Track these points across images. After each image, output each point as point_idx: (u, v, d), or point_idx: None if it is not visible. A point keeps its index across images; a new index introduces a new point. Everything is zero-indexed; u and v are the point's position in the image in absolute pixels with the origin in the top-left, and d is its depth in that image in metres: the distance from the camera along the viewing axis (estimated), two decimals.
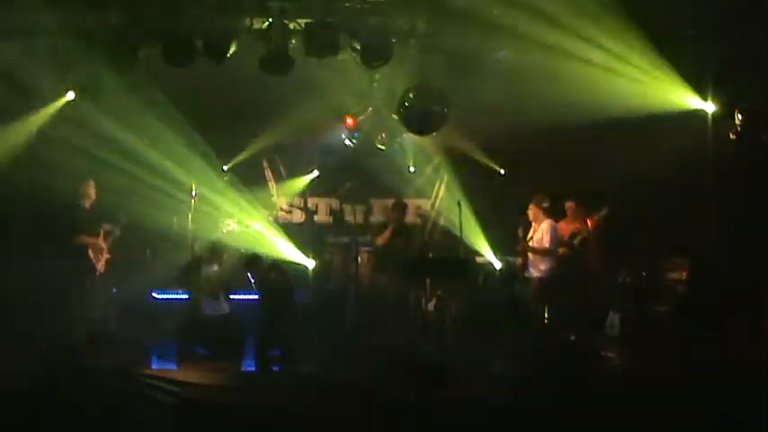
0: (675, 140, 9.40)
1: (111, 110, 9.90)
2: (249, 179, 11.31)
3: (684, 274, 9.57)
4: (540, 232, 9.45)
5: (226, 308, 9.43)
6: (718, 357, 7.91)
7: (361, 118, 11.06)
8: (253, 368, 8.70)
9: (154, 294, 10.22)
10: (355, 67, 9.25)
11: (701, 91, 9.19)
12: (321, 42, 8.76)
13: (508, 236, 10.08)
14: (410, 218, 11.68)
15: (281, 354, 8.86)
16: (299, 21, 8.84)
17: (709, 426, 6.25)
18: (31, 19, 8.66)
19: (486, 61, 9.21)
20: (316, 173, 11.59)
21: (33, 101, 9.66)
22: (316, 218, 12.05)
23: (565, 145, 10.17)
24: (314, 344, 9.09)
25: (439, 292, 9.79)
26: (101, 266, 9.44)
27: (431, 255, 10.45)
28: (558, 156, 10.31)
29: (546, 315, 9.27)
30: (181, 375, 8.01)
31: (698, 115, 9.34)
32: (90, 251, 9.34)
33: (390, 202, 11.18)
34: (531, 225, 9.62)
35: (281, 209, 11.57)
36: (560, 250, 9.60)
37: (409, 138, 11.17)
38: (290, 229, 11.31)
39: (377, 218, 11.98)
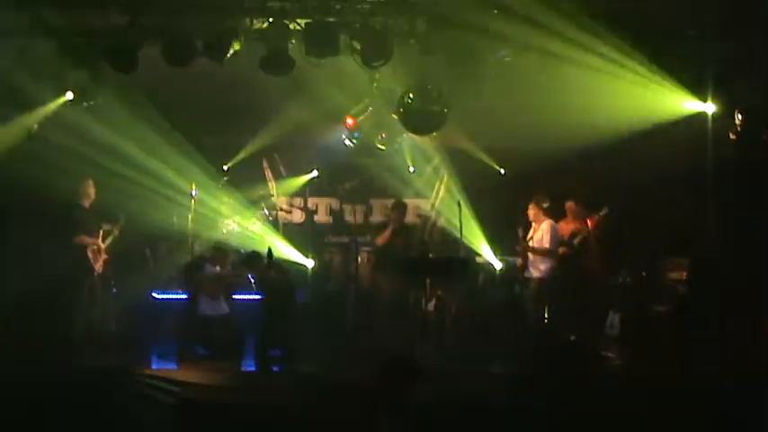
0: (675, 140, 9.41)
1: (111, 110, 9.90)
2: (249, 178, 11.30)
3: (684, 274, 9.57)
4: (540, 232, 9.44)
5: (225, 308, 9.44)
6: (718, 357, 7.91)
7: (361, 118, 11.06)
8: (253, 368, 8.69)
9: (154, 294, 10.21)
10: (355, 67, 9.24)
11: (701, 91, 9.18)
12: (321, 42, 8.76)
13: (508, 236, 10.07)
14: (410, 218, 11.68)
15: (281, 354, 8.85)
16: (299, 21, 8.83)
17: (710, 426, 6.25)
18: (31, 19, 8.67)
19: (486, 61, 9.20)
20: (315, 173, 11.59)
21: (32, 101, 9.66)
22: (316, 218, 12.03)
23: (564, 144, 10.16)
24: (314, 344, 9.09)
25: (439, 292, 9.77)
26: (98, 267, 9.44)
27: (431, 255, 10.43)
28: (557, 155, 10.29)
29: (546, 315, 9.27)
30: (181, 375, 8.01)
31: (698, 115, 9.34)
32: (88, 252, 9.35)
33: (390, 202, 11.18)
34: (530, 225, 9.62)
35: (281, 209, 11.57)
36: (560, 250, 9.59)
37: (409, 138, 11.16)
38: (289, 229, 11.31)
39: (377, 218, 11.99)
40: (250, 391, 7.64)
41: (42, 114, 9.78)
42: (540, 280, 9.37)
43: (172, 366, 8.55)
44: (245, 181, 11.28)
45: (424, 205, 11.76)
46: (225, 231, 10.82)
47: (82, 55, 9.00)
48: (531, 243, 9.50)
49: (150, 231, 10.49)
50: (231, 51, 8.76)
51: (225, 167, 11.33)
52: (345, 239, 11.37)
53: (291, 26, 8.86)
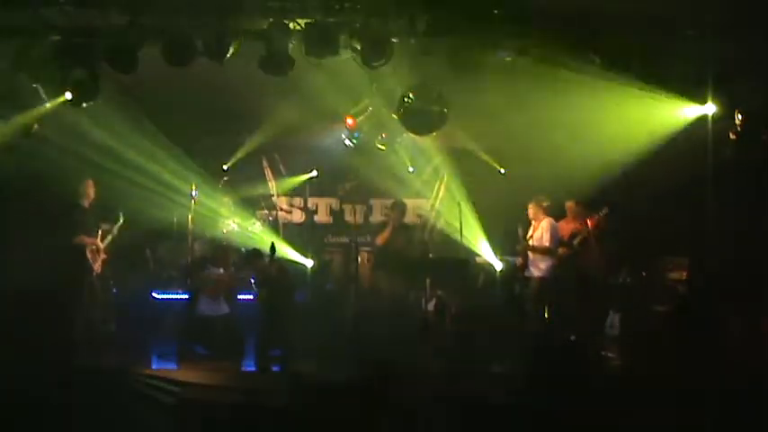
0: (675, 140, 9.41)
1: (110, 110, 9.89)
2: (249, 178, 11.29)
3: (684, 274, 9.58)
4: (540, 230, 9.47)
5: (225, 308, 9.44)
6: (718, 357, 7.90)
7: (361, 118, 11.06)
8: (253, 368, 8.70)
9: (154, 294, 10.21)
10: (355, 67, 9.24)
11: (701, 92, 9.18)
12: (321, 42, 8.75)
13: (508, 236, 10.08)
14: (410, 218, 11.68)
15: (281, 354, 8.85)
16: (299, 21, 8.82)
17: (709, 426, 6.25)
18: (31, 19, 8.66)
19: (486, 61, 9.19)
20: (315, 173, 11.58)
21: (31, 100, 9.65)
22: (316, 218, 12.04)
23: (564, 145, 10.17)
24: (314, 344, 9.08)
25: (439, 292, 9.78)
26: (97, 267, 9.44)
27: (431, 255, 10.43)
28: (557, 155, 10.29)
29: (546, 315, 9.27)
30: (181, 375, 8.02)
31: (698, 116, 9.34)
32: (87, 252, 9.34)
33: (390, 202, 11.18)
34: (530, 224, 9.63)
35: (281, 209, 11.57)
36: (560, 250, 9.61)
37: (409, 138, 11.16)
38: (289, 229, 11.30)
39: (377, 218, 11.98)
40: (250, 391, 7.64)
41: (42, 114, 9.77)
42: (541, 279, 9.39)
43: (172, 366, 8.56)
44: (244, 181, 11.28)
45: (424, 205, 11.77)
46: (225, 231, 10.82)
47: (82, 55, 8.98)
48: (531, 242, 9.52)
49: (150, 231, 10.48)
50: (231, 51, 8.75)
51: (224, 167, 11.33)
52: (345, 239, 11.38)
53: (291, 26, 8.85)
